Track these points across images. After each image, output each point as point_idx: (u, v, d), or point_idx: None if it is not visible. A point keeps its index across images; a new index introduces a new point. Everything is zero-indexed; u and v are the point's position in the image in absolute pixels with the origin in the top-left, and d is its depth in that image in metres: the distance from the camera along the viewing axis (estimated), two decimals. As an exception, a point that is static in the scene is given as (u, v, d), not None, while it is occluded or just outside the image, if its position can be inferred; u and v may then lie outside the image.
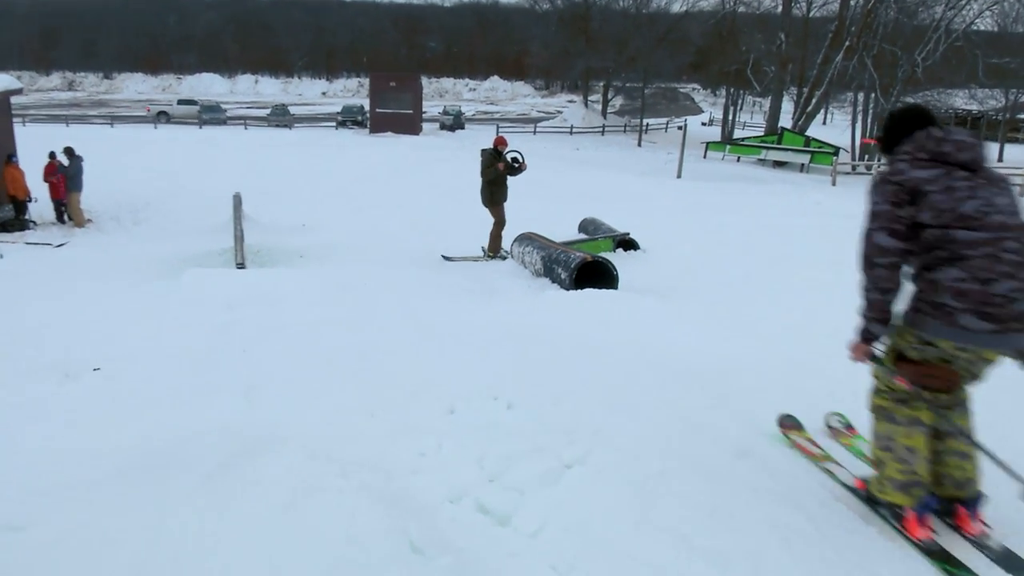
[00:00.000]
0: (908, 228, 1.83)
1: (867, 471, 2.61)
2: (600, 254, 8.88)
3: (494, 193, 9.95)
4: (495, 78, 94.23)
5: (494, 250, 9.98)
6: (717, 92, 65.62)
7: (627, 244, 9.69)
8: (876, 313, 1.97)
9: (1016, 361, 1.78)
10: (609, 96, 54.98)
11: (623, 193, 18.63)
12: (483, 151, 9.96)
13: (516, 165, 10.08)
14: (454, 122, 44.98)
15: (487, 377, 4.15)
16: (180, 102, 44.73)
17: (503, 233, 9.58)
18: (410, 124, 38.80)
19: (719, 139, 42.21)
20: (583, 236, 10.49)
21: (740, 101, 57.46)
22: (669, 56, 47.53)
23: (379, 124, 38.49)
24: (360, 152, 26.62)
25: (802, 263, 8.46)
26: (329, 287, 6.42)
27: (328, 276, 7.02)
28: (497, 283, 7.50)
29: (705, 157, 35.36)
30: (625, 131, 51.22)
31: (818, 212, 13.94)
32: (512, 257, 8.68)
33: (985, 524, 2.12)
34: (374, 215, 13.69)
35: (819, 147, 32.13)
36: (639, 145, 41.92)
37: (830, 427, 3.28)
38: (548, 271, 7.37)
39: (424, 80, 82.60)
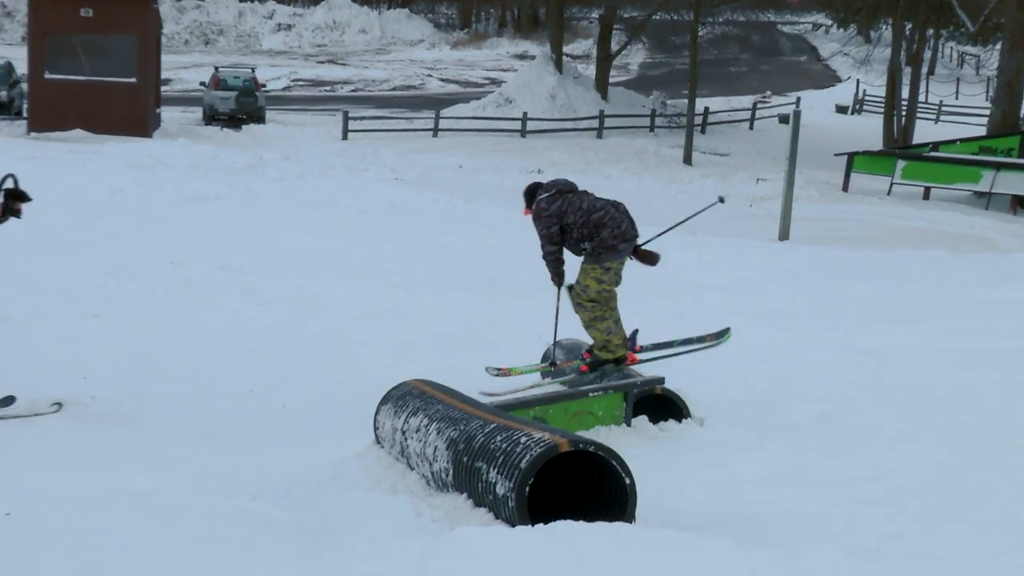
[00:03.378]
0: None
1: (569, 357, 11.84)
2: (588, 433, 9.08)
3: None
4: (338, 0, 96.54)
5: None
6: (872, 36, 68.25)
7: (658, 404, 9.83)
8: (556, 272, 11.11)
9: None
10: (613, 47, 57.32)
11: (650, 278, 18.95)
12: None
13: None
14: (240, 105, 46.33)
15: None
16: None
17: None
18: (131, 111, 39.26)
19: (880, 146, 43.50)
20: (555, 385, 10.64)
21: (930, 56, 59.14)
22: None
23: (51, 111, 38.75)
24: None
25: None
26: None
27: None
28: (337, 505, 7.55)
29: (847, 189, 36.42)
30: (654, 129, 52.40)
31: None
32: (379, 440, 8.77)
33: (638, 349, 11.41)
34: (29, 335, 13.63)
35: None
36: (687, 162, 42.98)
37: (499, 370, 11.70)
38: (465, 476, 7.40)
39: (169, 2, 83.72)
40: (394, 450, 8.46)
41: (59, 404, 10.73)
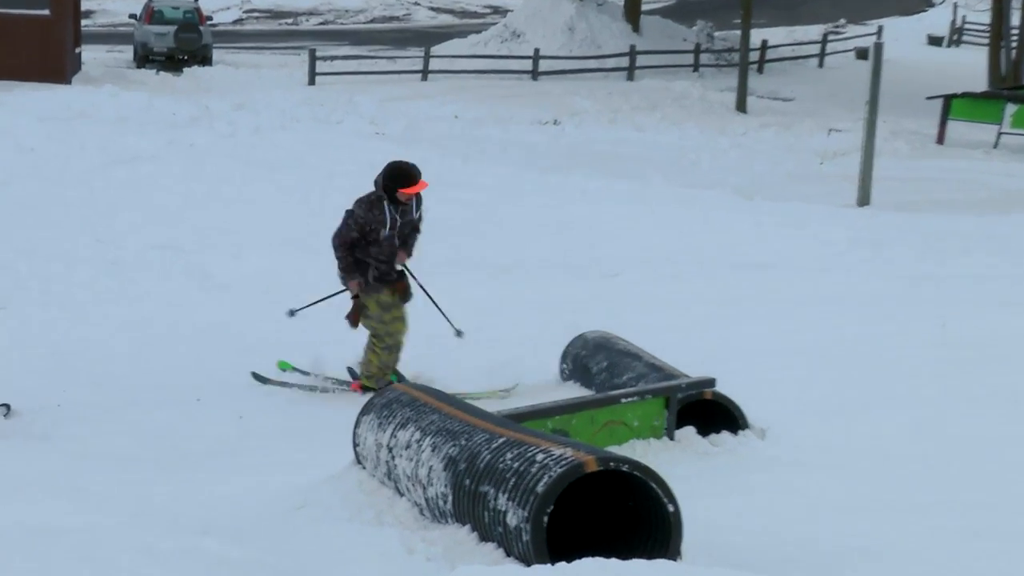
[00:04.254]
0: None
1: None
2: (621, 448, 9.10)
3: None
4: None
5: None
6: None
7: (708, 412, 9.86)
8: None
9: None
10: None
11: (691, 254, 18.92)
12: None
13: None
14: (180, 43, 46.37)
15: None
16: None
17: None
18: (43, 52, 39.18)
19: (984, 86, 43.40)
20: (578, 389, 10.70)
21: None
22: None
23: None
24: None
25: None
26: None
27: None
28: (308, 540, 7.57)
29: (942, 141, 36.23)
30: (698, 68, 52.33)
31: None
32: (360, 459, 8.78)
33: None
34: None
35: None
36: (740, 109, 42.83)
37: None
38: (468, 503, 7.41)
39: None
40: (379, 471, 8.43)
41: (6, 406, 10.80)
